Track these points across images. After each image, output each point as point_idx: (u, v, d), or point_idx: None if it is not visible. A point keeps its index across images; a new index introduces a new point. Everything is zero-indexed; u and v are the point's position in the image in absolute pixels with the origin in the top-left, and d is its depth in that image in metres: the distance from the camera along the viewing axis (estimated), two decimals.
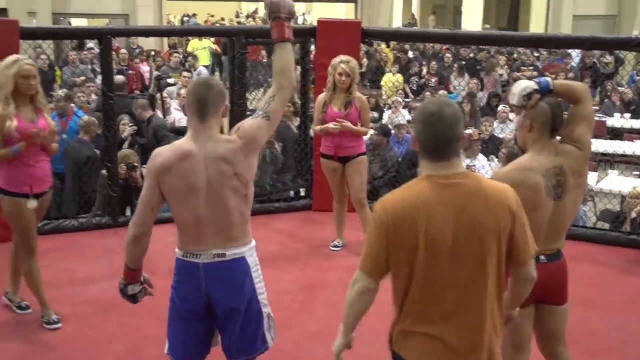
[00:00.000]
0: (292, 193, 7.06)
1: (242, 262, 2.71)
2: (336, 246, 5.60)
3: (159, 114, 7.47)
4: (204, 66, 13.98)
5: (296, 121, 7.31)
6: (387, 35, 7.84)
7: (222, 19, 24.58)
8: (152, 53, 14.02)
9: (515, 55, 14.56)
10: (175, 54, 13.01)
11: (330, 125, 5.22)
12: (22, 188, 3.99)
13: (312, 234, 5.99)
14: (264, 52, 14.40)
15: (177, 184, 2.65)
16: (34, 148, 4.00)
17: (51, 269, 4.50)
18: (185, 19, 24.89)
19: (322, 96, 5.37)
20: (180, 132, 6.75)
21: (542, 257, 2.79)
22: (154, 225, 2.76)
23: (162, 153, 2.70)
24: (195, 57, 13.79)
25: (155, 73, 7.71)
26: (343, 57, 5.27)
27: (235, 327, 2.73)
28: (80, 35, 7.68)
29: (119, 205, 6.05)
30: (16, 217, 4.03)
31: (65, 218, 6.05)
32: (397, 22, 22.53)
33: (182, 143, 2.70)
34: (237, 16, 28.10)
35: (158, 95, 7.70)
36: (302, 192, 6.97)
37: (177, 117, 8.15)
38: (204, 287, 2.69)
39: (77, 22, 18.53)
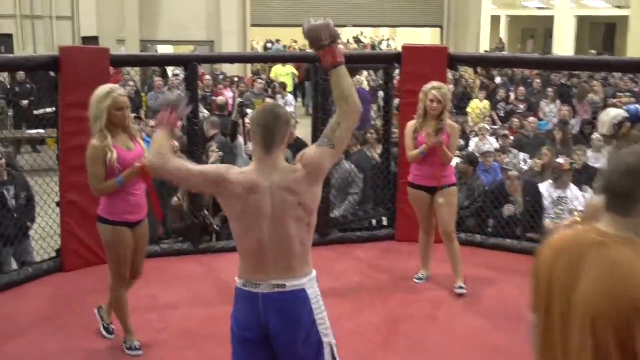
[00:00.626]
0: (374, 222, 7.04)
1: (302, 294, 2.72)
2: (420, 279, 5.51)
3: (241, 139, 7.62)
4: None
5: (379, 149, 7.29)
6: (475, 61, 7.73)
7: (305, 45, 24.94)
8: (236, 79, 14.37)
9: (611, 81, 14.11)
10: (259, 80, 13.29)
11: (422, 147, 5.14)
12: (122, 216, 4.06)
13: (395, 265, 5.93)
14: None
15: (242, 210, 2.70)
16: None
17: (133, 296, 4.62)
18: (269, 45, 25.43)
19: (412, 123, 5.32)
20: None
21: None
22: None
23: (231, 179, 2.71)
24: (284, 85, 14.05)
25: (239, 100, 7.86)
26: (435, 84, 5.22)
27: (294, 358, 2.75)
28: (168, 63, 8.00)
29: (199, 232, 6.17)
30: (114, 246, 4.07)
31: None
32: (484, 47, 22.31)
33: (249, 173, 2.74)
34: None
35: (241, 122, 7.87)
36: (385, 221, 6.93)
37: None
38: (263, 318, 2.70)
39: (163, 49, 19.29)
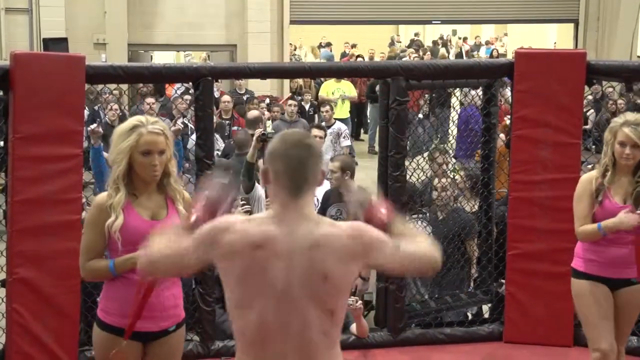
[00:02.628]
0: (469, 314, 7.02)
1: None
2: None
3: (260, 189, 7.54)
4: (341, 120, 14.15)
5: (475, 202, 7.23)
6: (628, 72, 7.55)
7: (372, 51, 24.53)
8: (267, 101, 14.51)
9: None
10: (291, 102, 13.20)
11: (610, 222, 4.83)
12: (119, 319, 3.90)
13: None
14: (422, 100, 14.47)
15: (242, 274, 2.78)
16: None
17: None
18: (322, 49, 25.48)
19: (589, 177, 5.09)
20: None
21: None
22: None
23: (234, 229, 2.83)
24: (331, 106, 14.10)
25: (258, 131, 7.59)
26: (630, 117, 4.89)
27: None
28: (171, 77, 8.02)
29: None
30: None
31: None
32: None
33: (262, 222, 2.84)
34: (392, 44, 28.43)
35: (260, 162, 7.66)
36: (487, 313, 6.90)
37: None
38: None
39: (162, 57, 19.57)
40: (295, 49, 24.64)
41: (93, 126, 6.79)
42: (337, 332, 2.86)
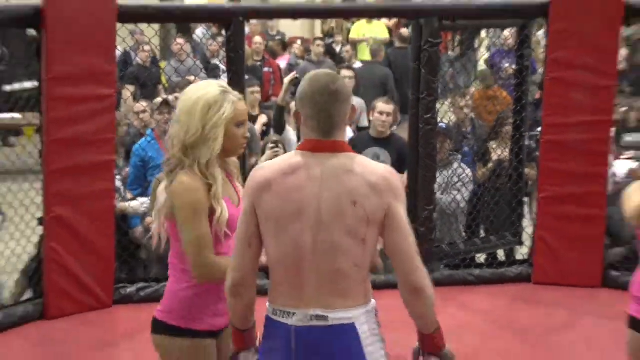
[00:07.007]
0: (500, 255, 7.07)
1: (350, 332, 2.84)
2: None
3: (291, 132, 7.57)
4: (364, 62, 14.00)
5: (506, 147, 7.19)
6: None
7: None
8: (299, 42, 14.48)
9: None
10: (318, 42, 13.20)
11: None
12: (209, 321, 3.41)
13: (532, 321, 5.96)
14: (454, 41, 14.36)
15: (276, 205, 2.85)
16: None
17: None
18: None
19: None
20: None
21: None
22: None
23: (264, 166, 2.96)
24: (354, 48, 14.00)
25: (292, 74, 7.59)
26: None
27: None
28: (203, 18, 8.03)
29: None
30: None
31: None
32: None
33: (292, 156, 2.93)
34: None
35: (293, 105, 7.71)
36: (521, 254, 6.96)
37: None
38: (295, 358, 2.85)
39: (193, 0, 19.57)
40: None
41: None
42: (367, 265, 2.89)
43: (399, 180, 2.92)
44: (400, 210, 2.85)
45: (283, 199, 2.84)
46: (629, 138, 7.53)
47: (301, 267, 2.84)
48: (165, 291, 3.40)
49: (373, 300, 2.92)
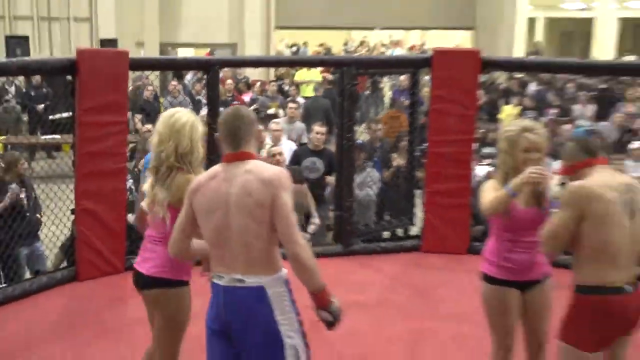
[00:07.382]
0: (400, 232, 7.09)
1: (260, 292, 2.82)
2: None
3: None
4: (307, 98, 14.00)
5: (403, 157, 7.22)
6: (512, 66, 7.72)
7: (327, 49, 24.32)
8: (259, 83, 14.45)
9: None
10: (272, 83, 13.28)
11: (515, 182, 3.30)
12: (188, 274, 3.36)
13: (422, 279, 5.96)
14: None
15: (203, 201, 2.90)
16: None
17: None
18: (293, 49, 25.38)
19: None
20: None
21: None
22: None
23: (198, 177, 3.01)
24: (297, 87, 14.04)
25: (251, 108, 7.77)
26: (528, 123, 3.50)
27: (253, 355, 2.85)
28: (190, 67, 8.06)
29: None
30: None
31: None
32: (518, 51, 22.14)
33: (218, 166, 2.96)
34: (346, 44, 28.30)
35: None
36: (414, 231, 6.97)
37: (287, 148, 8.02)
38: (223, 311, 2.87)
39: (184, 53, 19.45)
40: (291, 46, 24.48)
41: None
42: (275, 239, 2.84)
43: (286, 177, 2.86)
44: (283, 197, 2.79)
45: (207, 197, 2.88)
46: (486, 150, 7.65)
47: (224, 243, 2.85)
48: (154, 257, 3.31)
49: (284, 270, 2.88)
